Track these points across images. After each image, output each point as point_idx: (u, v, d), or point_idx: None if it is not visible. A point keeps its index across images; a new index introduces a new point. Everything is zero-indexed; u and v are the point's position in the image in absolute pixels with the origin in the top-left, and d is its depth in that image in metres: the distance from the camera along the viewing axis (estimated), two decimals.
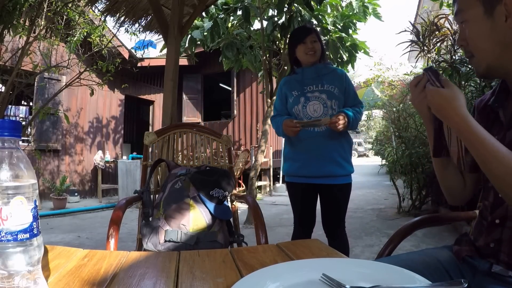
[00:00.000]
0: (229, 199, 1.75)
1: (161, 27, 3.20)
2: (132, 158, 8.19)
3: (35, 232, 0.56)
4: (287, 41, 2.48)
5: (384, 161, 6.78)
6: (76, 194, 7.19)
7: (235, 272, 0.72)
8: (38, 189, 0.60)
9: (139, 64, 8.11)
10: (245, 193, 6.67)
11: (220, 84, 11.95)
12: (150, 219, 1.57)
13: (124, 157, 8.55)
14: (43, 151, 6.78)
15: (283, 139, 9.82)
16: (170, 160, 1.84)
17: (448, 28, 4.28)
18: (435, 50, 4.37)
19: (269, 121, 5.29)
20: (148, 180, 1.72)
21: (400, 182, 5.59)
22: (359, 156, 29.30)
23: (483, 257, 0.88)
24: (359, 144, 30.57)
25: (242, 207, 5.61)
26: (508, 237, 0.82)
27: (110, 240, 1.27)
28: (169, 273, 0.74)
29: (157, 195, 1.77)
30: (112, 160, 8.23)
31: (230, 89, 10.20)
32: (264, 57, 5.17)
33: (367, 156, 27.96)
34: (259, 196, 7.17)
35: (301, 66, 2.26)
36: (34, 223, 0.56)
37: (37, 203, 0.57)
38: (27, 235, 0.55)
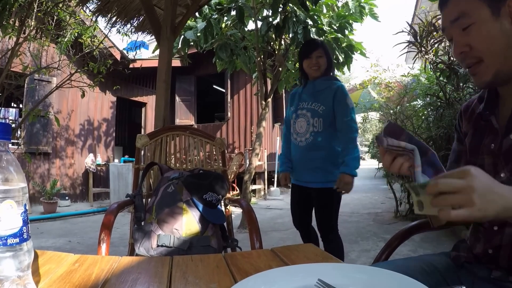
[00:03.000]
0: (222, 203, 1.74)
1: (153, 27, 3.18)
2: (124, 161, 8.11)
3: (25, 237, 0.55)
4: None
5: (380, 164, 6.78)
6: (67, 198, 7.10)
7: (229, 278, 0.71)
8: (28, 193, 0.59)
9: (131, 66, 8.07)
10: (239, 197, 6.66)
11: (214, 86, 11.93)
12: (143, 223, 1.55)
13: (116, 160, 8.47)
14: (33, 154, 6.69)
15: (278, 142, 9.87)
16: (162, 164, 1.83)
17: None
18: (432, 51, 4.39)
19: (263, 123, 5.28)
20: (140, 183, 1.70)
21: (397, 186, 5.58)
22: None
23: (482, 263, 0.87)
24: None
25: (236, 211, 5.58)
26: (507, 243, 0.81)
27: (101, 245, 1.25)
28: (162, 278, 0.73)
29: (149, 199, 1.76)
30: (103, 163, 8.16)
31: (223, 91, 10.17)
32: (259, 58, 5.16)
33: (364, 159, 27.83)
34: (253, 200, 7.14)
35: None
36: (24, 227, 0.55)
37: (27, 207, 0.56)
38: (17, 240, 0.54)
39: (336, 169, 2.23)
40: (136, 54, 8.60)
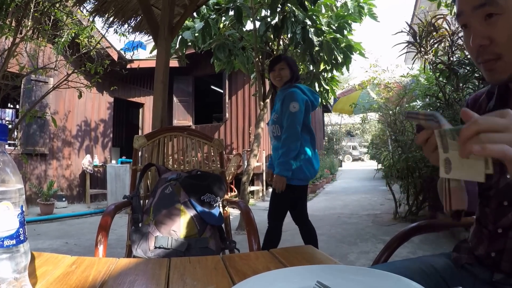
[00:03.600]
0: (220, 204, 1.73)
1: (151, 27, 3.17)
2: (121, 163, 8.08)
3: (22, 238, 0.55)
4: None
5: (380, 165, 6.77)
6: (63, 199, 7.08)
7: (227, 280, 0.71)
8: (25, 194, 0.59)
9: (128, 66, 8.05)
10: (237, 198, 6.64)
11: (212, 87, 11.92)
12: (140, 225, 1.55)
13: (113, 162, 8.45)
14: (30, 155, 6.67)
15: None
16: (160, 165, 1.82)
17: (446, 29, 4.26)
18: (432, 52, 4.38)
19: (262, 124, 5.27)
20: (138, 185, 1.70)
21: (396, 187, 5.56)
22: (354, 160, 28.77)
23: (483, 265, 0.84)
24: (354, 148, 29.95)
25: (234, 213, 5.56)
26: (511, 247, 0.78)
27: (98, 246, 1.24)
28: (159, 280, 0.72)
29: (147, 200, 1.75)
30: (100, 164, 8.13)
31: (222, 91, 10.16)
32: (257, 59, 5.15)
33: (362, 160, 27.75)
34: (251, 201, 7.12)
35: None
36: (21, 229, 0.55)
37: (23, 209, 0.56)
38: (14, 241, 0.53)
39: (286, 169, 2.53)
40: (133, 54, 8.59)
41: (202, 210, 1.50)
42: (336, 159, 17.11)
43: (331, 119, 24.88)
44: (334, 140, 20.51)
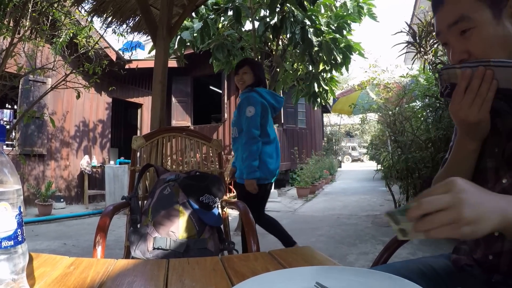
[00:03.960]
0: (219, 205, 1.73)
1: (149, 28, 3.16)
2: (120, 163, 8.06)
3: (20, 239, 0.55)
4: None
5: (379, 166, 6.76)
6: (62, 200, 7.05)
7: (226, 281, 0.71)
8: (23, 195, 0.58)
9: (126, 66, 8.03)
10: (235, 199, 6.60)
11: (211, 87, 11.90)
12: (138, 226, 1.54)
13: (112, 162, 8.42)
14: (28, 155, 6.64)
15: None
16: (158, 165, 1.82)
17: None
18: (432, 52, 4.37)
19: None
20: (136, 185, 1.70)
21: (396, 188, 5.54)
22: (353, 161, 28.57)
23: (482, 267, 0.84)
24: (353, 149, 29.71)
25: (233, 214, 5.54)
26: (508, 250, 0.78)
27: (97, 247, 1.24)
28: (158, 281, 0.72)
29: (145, 201, 1.75)
30: (99, 165, 8.10)
31: (220, 92, 10.15)
32: (256, 59, 5.16)
33: (362, 161, 27.72)
34: None
35: None
36: (19, 230, 0.54)
37: (21, 210, 0.56)
38: (12, 242, 0.53)
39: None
40: (132, 54, 8.57)
41: (200, 211, 1.50)
42: (336, 159, 17.10)
43: (331, 119, 24.87)
44: (334, 140, 20.52)
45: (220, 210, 1.74)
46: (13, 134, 6.70)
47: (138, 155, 1.95)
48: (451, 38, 0.79)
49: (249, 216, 1.47)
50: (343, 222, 5.21)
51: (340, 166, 18.48)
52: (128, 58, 8.25)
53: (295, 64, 5.91)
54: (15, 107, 7.71)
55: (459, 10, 0.76)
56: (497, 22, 0.74)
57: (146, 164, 1.78)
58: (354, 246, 3.90)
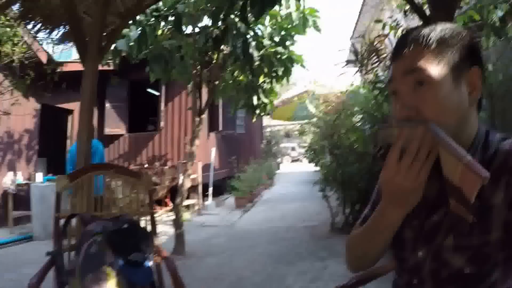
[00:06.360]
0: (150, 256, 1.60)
1: (78, 44, 2.84)
2: (48, 180, 7.29)
3: None
4: None
5: (318, 167, 6.84)
6: None
7: None
8: None
9: (59, 69, 7.37)
10: (171, 212, 6.34)
11: (148, 90, 11.24)
12: None
13: (39, 177, 7.59)
14: None
15: (213, 152, 9.57)
16: (85, 213, 1.65)
17: (387, 46, 4.37)
18: (372, 72, 4.44)
19: (197, 142, 5.00)
20: (61, 240, 1.53)
21: (333, 196, 5.57)
22: (293, 161, 28.63)
23: None
24: (293, 149, 29.77)
25: (169, 232, 5.27)
26: (428, 271, 0.78)
27: None
28: None
29: (73, 252, 1.58)
30: (24, 182, 7.20)
31: (158, 94, 9.57)
32: (194, 71, 4.95)
33: (301, 161, 27.94)
34: (187, 216, 6.66)
35: None
36: None
37: None
38: None
39: None
40: (62, 52, 7.84)
41: (130, 270, 1.38)
42: (275, 162, 17.23)
43: (271, 121, 25.13)
44: (273, 142, 20.65)
45: (150, 262, 1.60)
46: None
47: (63, 197, 1.75)
48: (403, 87, 0.74)
49: (177, 273, 1.40)
50: (281, 237, 5.16)
51: (278, 168, 18.61)
52: (60, 61, 7.63)
53: (235, 73, 5.81)
54: None
55: (419, 62, 0.72)
56: (455, 86, 0.71)
57: (70, 215, 1.60)
58: (292, 264, 3.86)
